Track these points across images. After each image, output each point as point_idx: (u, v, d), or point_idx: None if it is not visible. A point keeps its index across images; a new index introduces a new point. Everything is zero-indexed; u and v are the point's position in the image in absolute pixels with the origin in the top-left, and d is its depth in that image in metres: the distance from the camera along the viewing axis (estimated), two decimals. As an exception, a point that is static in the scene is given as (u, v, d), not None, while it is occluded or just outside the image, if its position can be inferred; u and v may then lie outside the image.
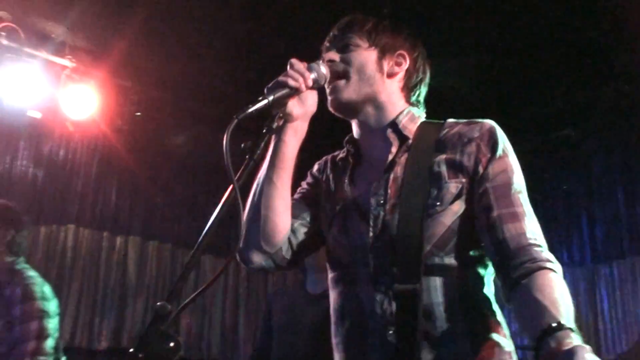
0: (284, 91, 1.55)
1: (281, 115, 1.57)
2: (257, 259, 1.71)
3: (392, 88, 1.75)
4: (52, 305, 3.29)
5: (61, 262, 5.39)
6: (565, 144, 5.70)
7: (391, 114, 1.73)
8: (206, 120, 5.42)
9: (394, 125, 1.71)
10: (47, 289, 3.32)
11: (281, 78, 1.57)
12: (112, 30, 4.52)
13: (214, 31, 4.43)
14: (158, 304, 1.05)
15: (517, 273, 1.46)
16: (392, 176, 1.65)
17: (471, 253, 1.59)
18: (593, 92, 5.03)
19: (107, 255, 5.67)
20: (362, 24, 1.76)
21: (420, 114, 1.78)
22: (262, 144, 1.46)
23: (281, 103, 1.56)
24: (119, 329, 5.61)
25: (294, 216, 1.75)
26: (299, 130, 1.66)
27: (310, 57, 1.69)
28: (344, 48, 1.74)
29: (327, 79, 1.67)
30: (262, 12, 4.21)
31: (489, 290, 1.63)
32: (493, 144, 1.61)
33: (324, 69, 1.65)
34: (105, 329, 5.52)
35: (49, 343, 3.19)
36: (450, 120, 1.73)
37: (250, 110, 1.43)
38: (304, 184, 1.89)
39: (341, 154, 1.83)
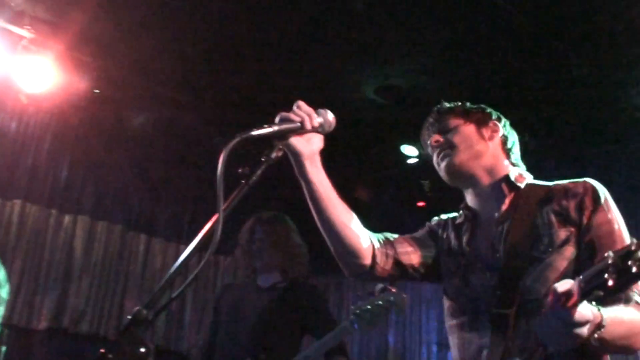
0: (289, 125, 1.65)
1: (281, 147, 1.65)
2: (358, 270, 1.98)
3: (494, 148, 2.03)
4: (2, 293, 3.21)
5: (4, 238, 5.26)
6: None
7: (500, 173, 1.99)
8: (166, 104, 5.32)
9: (506, 178, 1.97)
10: (1, 274, 3.23)
11: (285, 113, 1.68)
12: (74, 2, 4.37)
13: (180, 12, 4.33)
14: (135, 308, 1.06)
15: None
16: (505, 228, 1.88)
17: None
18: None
19: (54, 233, 5.55)
20: (453, 108, 2.07)
21: (528, 175, 2.02)
22: (259, 172, 1.52)
23: (284, 136, 1.66)
24: (61, 309, 5.51)
25: (422, 245, 2.05)
26: (314, 162, 1.80)
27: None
28: (444, 130, 2.03)
29: (332, 126, 1.76)
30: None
31: None
32: (595, 197, 1.83)
33: (330, 117, 1.75)
34: (46, 309, 5.40)
35: None
36: (557, 182, 1.95)
37: (253, 133, 1.50)
38: (424, 230, 2.14)
39: (459, 219, 2.06)
